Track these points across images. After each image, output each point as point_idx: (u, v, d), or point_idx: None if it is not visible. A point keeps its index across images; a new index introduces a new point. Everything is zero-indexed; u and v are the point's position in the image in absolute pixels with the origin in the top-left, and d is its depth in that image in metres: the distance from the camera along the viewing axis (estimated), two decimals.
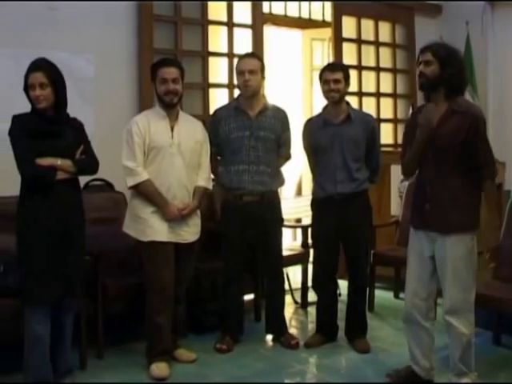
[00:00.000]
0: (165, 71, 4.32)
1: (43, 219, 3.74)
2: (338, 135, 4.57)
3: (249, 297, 5.34)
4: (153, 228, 4.27)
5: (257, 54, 5.29)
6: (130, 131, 4.28)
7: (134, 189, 4.29)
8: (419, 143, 3.75)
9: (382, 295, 5.97)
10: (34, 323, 3.78)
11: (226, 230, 4.70)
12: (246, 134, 4.61)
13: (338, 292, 5.01)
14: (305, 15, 7.56)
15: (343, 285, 5.07)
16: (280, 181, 4.83)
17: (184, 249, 4.36)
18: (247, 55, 4.87)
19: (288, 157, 4.88)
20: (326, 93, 4.59)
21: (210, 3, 6.00)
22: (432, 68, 3.69)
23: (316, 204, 4.79)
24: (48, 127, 3.79)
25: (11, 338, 3.92)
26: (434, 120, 3.68)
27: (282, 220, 4.89)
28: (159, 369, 4.26)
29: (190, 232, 4.39)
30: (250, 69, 4.59)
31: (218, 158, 4.76)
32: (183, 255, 4.36)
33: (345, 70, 4.71)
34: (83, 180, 4.59)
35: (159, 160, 4.27)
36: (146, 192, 4.25)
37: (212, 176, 4.64)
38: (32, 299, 3.78)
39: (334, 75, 4.57)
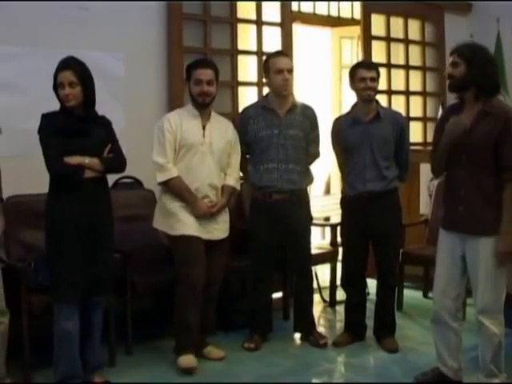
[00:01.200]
0: (200, 72, 4.33)
1: (71, 217, 3.77)
2: (367, 133, 4.56)
3: (277, 295, 5.33)
4: (182, 222, 4.29)
5: (287, 53, 5.27)
6: (162, 128, 4.30)
7: (164, 185, 4.32)
8: (444, 148, 3.73)
9: (411, 294, 5.94)
10: (62, 319, 3.82)
11: (254, 229, 4.70)
12: (274, 133, 4.61)
13: (366, 291, 4.99)
14: (334, 13, 7.56)
15: (372, 284, 5.05)
16: (309, 179, 4.82)
17: (214, 246, 4.37)
18: (281, 54, 4.87)
19: (317, 155, 4.86)
20: (362, 91, 4.57)
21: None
22: (459, 69, 3.65)
23: (345, 202, 4.78)
24: (76, 126, 3.82)
25: (43, 333, 3.94)
26: (459, 133, 3.65)
27: (311, 218, 4.89)
28: (187, 360, 4.29)
29: (220, 229, 4.41)
30: (288, 68, 4.60)
31: (247, 156, 4.76)
32: (213, 253, 4.37)
33: (377, 68, 4.72)
34: (113, 178, 4.63)
35: (189, 157, 4.29)
36: (175, 188, 4.28)
37: (240, 174, 4.65)
38: (60, 296, 3.82)
39: (370, 73, 4.57)
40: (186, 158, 4.29)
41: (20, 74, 4.86)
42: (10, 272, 3.95)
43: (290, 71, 4.61)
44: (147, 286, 4.56)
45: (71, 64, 3.78)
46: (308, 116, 4.73)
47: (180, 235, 4.28)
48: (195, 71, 4.36)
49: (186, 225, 4.29)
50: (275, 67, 4.62)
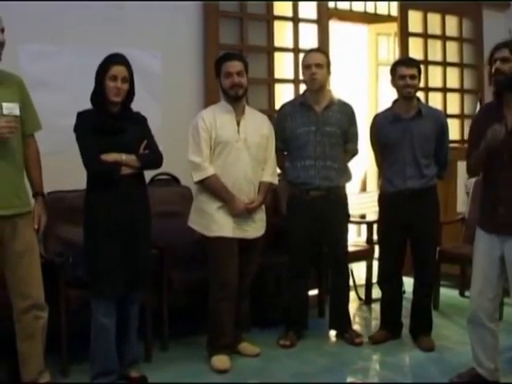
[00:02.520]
0: (229, 65, 4.34)
1: (109, 213, 3.81)
2: (408, 131, 4.54)
3: (313, 292, 5.32)
4: (218, 224, 4.29)
5: (323, 49, 5.28)
6: (197, 126, 4.31)
7: (200, 184, 4.33)
8: (482, 153, 3.68)
9: (448, 293, 5.90)
10: (99, 314, 3.87)
11: (291, 226, 4.70)
12: (312, 129, 4.60)
13: (402, 289, 4.97)
14: (370, 10, 7.50)
15: (408, 282, 5.02)
16: (347, 176, 4.81)
17: (249, 244, 4.37)
18: (313, 50, 4.89)
19: (355, 152, 4.85)
20: (402, 88, 4.55)
21: None
22: (511, 65, 3.60)
23: (384, 199, 4.77)
24: (112, 123, 3.85)
25: (81, 327, 3.99)
26: (499, 140, 3.59)
27: (348, 216, 4.88)
28: (220, 361, 4.30)
29: (256, 227, 4.41)
30: (316, 62, 4.58)
31: (285, 153, 4.75)
32: (248, 250, 4.37)
33: (418, 65, 4.69)
34: (150, 174, 4.66)
35: (225, 155, 4.29)
36: (212, 187, 4.28)
37: (278, 171, 4.65)
38: (98, 292, 3.86)
39: (410, 70, 4.55)
40: (221, 155, 4.30)
41: (58, 72, 4.92)
42: (48, 267, 4.00)
43: (319, 66, 4.58)
44: (183, 282, 4.59)
45: (125, 61, 3.85)
46: (346, 113, 4.71)
47: (215, 236, 4.29)
48: (224, 64, 4.37)
49: (221, 226, 4.29)
50: (303, 63, 4.68)
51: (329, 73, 4.71)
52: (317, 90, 4.63)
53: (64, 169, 4.54)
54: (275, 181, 4.54)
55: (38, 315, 3.72)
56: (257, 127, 4.42)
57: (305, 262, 4.74)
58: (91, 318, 3.89)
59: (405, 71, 4.55)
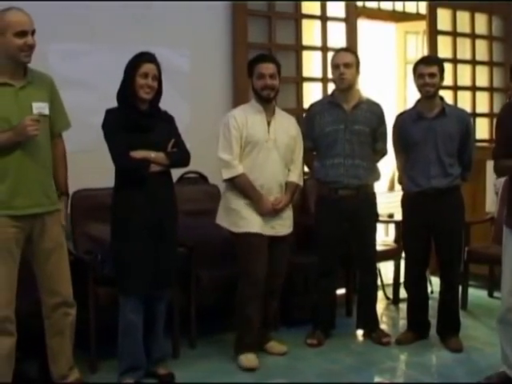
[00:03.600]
0: (262, 67, 4.36)
1: (137, 211, 3.83)
2: (431, 129, 4.51)
3: (340, 291, 5.32)
4: (246, 219, 4.31)
5: (352, 49, 5.27)
6: (228, 124, 4.32)
7: (229, 181, 4.34)
8: None
9: (476, 293, 5.86)
10: (127, 311, 3.89)
11: (320, 224, 4.70)
12: (340, 128, 4.60)
13: (430, 289, 4.94)
14: (399, 8, 7.48)
15: (436, 282, 4.99)
16: (375, 175, 4.79)
17: (278, 242, 4.38)
18: (342, 49, 4.89)
19: (384, 152, 4.84)
20: (421, 87, 4.53)
21: None
22: None
23: (407, 199, 4.73)
24: (141, 121, 3.87)
25: (109, 324, 4.02)
26: None
27: (377, 215, 4.87)
28: (248, 359, 4.32)
29: (284, 225, 4.41)
30: (345, 62, 4.57)
31: (314, 152, 4.75)
32: (277, 248, 4.38)
33: (440, 63, 4.64)
34: (178, 172, 4.68)
35: (255, 154, 4.31)
36: (240, 185, 4.30)
37: (305, 169, 4.64)
38: (125, 289, 3.89)
39: (429, 69, 4.51)
40: (251, 154, 4.31)
41: (88, 71, 4.97)
42: (77, 265, 4.04)
43: (348, 66, 4.58)
44: (211, 280, 4.60)
45: (155, 59, 3.88)
46: (375, 112, 4.71)
47: (243, 232, 4.30)
48: (257, 66, 4.39)
49: (249, 222, 4.30)
50: (332, 62, 4.68)
51: (358, 72, 4.70)
52: (345, 90, 4.63)
53: (93, 167, 4.57)
54: (301, 182, 4.55)
55: (67, 312, 3.75)
56: (286, 128, 4.44)
57: (333, 261, 4.73)
58: (119, 315, 3.92)
59: (423, 69, 4.53)
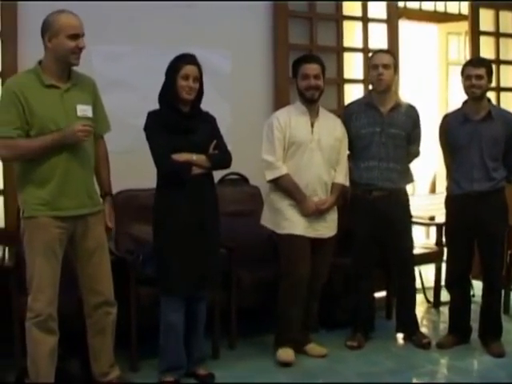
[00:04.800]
0: (307, 67, 4.36)
1: (179, 212, 3.85)
2: (477, 132, 4.46)
3: (381, 294, 5.29)
4: (289, 221, 4.31)
5: (390, 50, 5.25)
6: (271, 126, 4.33)
7: (273, 183, 4.35)
8: None
9: None
10: (168, 312, 3.92)
11: (355, 226, 4.69)
12: (376, 130, 4.58)
13: (471, 293, 4.89)
14: (440, 9, 7.42)
15: (477, 285, 4.94)
16: (409, 178, 4.77)
17: (321, 244, 4.38)
18: (381, 50, 4.85)
19: (417, 154, 4.81)
20: (467, 88, 4.48)
21: None
22: None
23: (450, 201, 4.69)
24: (183, 123, 3.88)
25: (150, 323, 4.06)
26: None
27: (410, 217, 4.83)
28: (285, 353, 4.36)
29: (328, 227, 4.41)
30: (383, 63, 4.55)
31: (348, 153, 4.73)
32: (320, 251, 4.38)
33: (488, 65, 4.58)
34: (219, 174, 4.70)
35: (299, 155, 4.31)
36: (284, 186, 4.31)
37: None
38: (167, 289, 3.91)
39: (476, 71, 4.46)
40: (295, 155, 4.32)
41: (130, 72, 5.01)
42: (118, 264, 4.08)
43: (386, 67, 4.55)
44: (252, 280, 4.61)
45: (196, 61, 3.90)
46: (411, 115, 4.68)
47: (287, 234, 4.31)
48: (302, 66, 4.39)
49: (293, 223, 4.31)
50: (371, 63, 4.66)
51: (396, 74, 4.68)
52: (383, 91, 4.60)
53: (135, 168, 4.61)
54: (347, 183, 4.54)
55: (108, 311, 3.79)
56: (330, 129, 4.43)
57: (368, 262, 4.71)
58: (160, 315, 3.94)
59: (471, 71, 4.48)
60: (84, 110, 3.62)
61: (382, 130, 4.58)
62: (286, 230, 4.31)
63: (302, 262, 4.30)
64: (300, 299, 4.35)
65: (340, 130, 4.51)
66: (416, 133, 4.73)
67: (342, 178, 4.46)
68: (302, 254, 4.31)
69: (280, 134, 4.30)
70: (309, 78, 4.33)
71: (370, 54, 4.85)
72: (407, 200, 4.78)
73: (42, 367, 3.58)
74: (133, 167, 4.64)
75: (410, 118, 4.67)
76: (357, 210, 4.70)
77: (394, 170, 4.60)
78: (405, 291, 4.81)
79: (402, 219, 4.71)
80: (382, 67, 4.55)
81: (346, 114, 4.76)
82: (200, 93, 3.94)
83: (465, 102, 4.62)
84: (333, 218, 4.45)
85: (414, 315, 4.86)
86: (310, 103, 4.38)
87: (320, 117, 4.43)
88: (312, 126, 4.37)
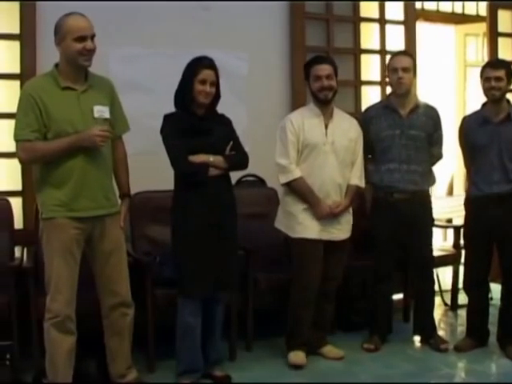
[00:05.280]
0: (318, 68, 4.35)
1: (196, 214, 3.85)
2: (496, 134, 4.43)
3: (398, 296, 5.27)
4: (303, 225, 4.30)
5: (409, 52, 5.23)
6: (284, 129, 4.32)
7: (287, 186, 4.34)
8: None
9: None
10: (185, 314, 3.92)
11: (376, 229, 4.66)
12: (396, 133, 4.56)
13: (489, 295, 4.86)
14: (458, 10, 7.39)
15: (496, 288, 4.91)
16: (431, 180, 4.74)
17: (335, 246, 4.36)
18: (400, 53, 4.83)
19: (440, 156, 4.78)
20: (487, 90, 4.46)
21: None
22: None
23: (469, 203, 4.67)
24: (199, 125, 3.89)
25: (167, 325, 4.06)
26: None
27: (432, 220, 4.80)
28: (296, 356, 4.36)
29: (342, 230, 4.40)
30: (403, 66, 4.53)
31: (369, 156, 4.72)
32: (334, 253, 4.37)
33: (508, 67, 4.53)
34: (236, 176, 4.70)
35: (313, 158, 4.30)
36: (298, 189, 4.30)
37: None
38: (185, 291, 3.91)
39: (495, 72, 4.43)
40: (309, 158, 4.30)
41: (147, 74, 5.04)
42: (135, 266, 4.10)
43: (406, 70, 4.53)
44: (269, 283, 4.61)
45: (213, 64, 3.91)
46: (431, 117, 4.65)
47: (300, 238, 4.31)
48: (313, 68, 4.37)
49: (306, 227, 4.30)
50: (390, 66, 4.63)
51: (415, 76, 4.66)
52: (403, 94, 4.58)
53: (152, 169, 4.62)
54: (362, 184, 4.51)
55: (125, 312, 3.81)
56: (345, 130, 4.41)
57: (389, 265, 4.69)
58: (177, 318, 3.95)
59: (490, 73, 4.46)
60: (101, 111, 3.64)
61: (402, 132, 4.56)
62: (300, 234, 4.31)
63: (313, 264, 4.30)
64: (311, 302, 4.35)
65: (355, 130, 4.49)
66: (438, 134, 4.70)
67: (356, 179, 4.44)
68: (314, 256, 4.30)
69: (293, 137, 4.29)
70: (321, 79, 4.31)
71: (389, 56, 4.83)
72: (430, 202, 4.76)
73: (59, 368, 3.60)
74: (150, 169, 4.65)
75: (430, 119, 4.65)
76: (378, 212, 4.69)
77: (415, 171, 4.58)
78: (423, 294, 4.79)
79: (424, 221, 4.69)
80: (402, 71, 4.52)
81: (365, 117, 4.74)
82: (217, 96, 3.95)
83: (484, 104, 4.60)
84: (347, 219, 4.44)
85: (432, 318, 4.83)
86: (324, 104, 4.36)
87: (334, 118, 4.41)
88: (326, 127, 4.35)
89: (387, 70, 4.70)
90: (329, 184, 4.30)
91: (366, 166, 4.66)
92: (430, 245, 4.78)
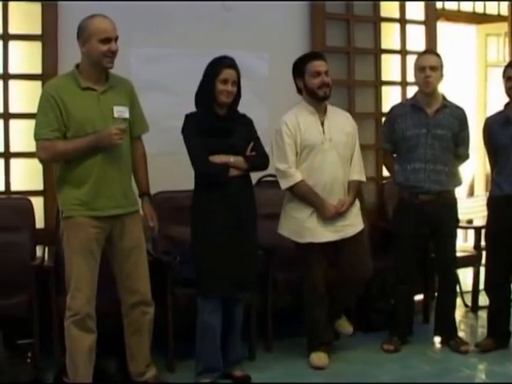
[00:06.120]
0: (317, 64, 4.30)
1: (217, 214, 3.87)
2: None
3: (418, 297, 5.25)
4: (310, 230, 4.27)
5: (436, 51, 5.19)
6: (280, 132, 4.27)
7: (289, 190, 4.30)
8: None
9: None
10: (205, 313, 3.93)
11: (400, 229, 4.65)
12: (422, 132, 4.53)
13: (511, 296, 4.84)
14: (479, 10, 7.34)
15: None
16: (457, 180, 4.71)
17: (349, 242, 4.31)
18: (427, 52, 4.82)
19: (466, 156, 4.75)
20: (508, 90, 4.45)
21: None
22: None
23: (492, 203, 4.65)
24: (220, 125, 3.91)
25: (187, 324, 4.09)
26: None
27: (457, 221, 4.77)
28: (318, 358, 4.36)
29: (351, 225, 4.33)
30: (431, 65, 4.50)
31: (394, 155, 4.71)
32: (351, 248, 4.32)
33: None
34: (256, 176, 4.70)
35: (312, 158, 4.25)
36: (300, 193, 4.25)
37: (385, 172, 4.60)
38: (205, 291, 3.93)
39: None
40: (308, 158, 4.26)
41: (168, 75, 5.05)
42: (156, 265, 4.12)
43: (434, 69, 4.50)
44: (288, 283, 4.62)
45: (235, 64, 3.92)
46: (457, 117, 4.61)
47: (307, 243, 4.27)
48: (310, 64, 4.32)
49: (315, 233, 4.26)
50: (417, 65, 4.59)
51: (442, 75, 4.62)
52: (430, 93, 4.55)
53: (173, 169, 4.64)
54: (363, 178, 4.46)
55: (145, 311, 3.83)
56: (341, 126, 4.37)
57: (411, 266, 4.67)
58: (197, 317, 3.96)
59: (510, 73, 4.44)
60: (120, 111, 3.67)
61: (428, 132, 4.53)
62: (309, 239, 4.26)
63: (317, 267, 4.31)
64: (321, 301, 4.35)
65: (350, 124, 4.45)
66: (464, 134, 4.66)
67: (356, 174, 4.39)
68: (318, 259, 4.30)
69: (290, 140, 4.23)
70: (321, 75, 4.26)
71: (409, 56, 4.80)
72: (455, 203, 4.73)
73: (80, 365, 3.63)
74: (170, 169, 4.67)
75: (457, 119, 4.61)
76: (403, 213, 4.67)
77: (441, 171, 4.55)
78: (445, 295, 4.77)
79: (449, 223, 4.66)
80: (430, 69, 4.49)
81: (391, 116, 4.73)
82: (238, 96, 3.96)
83: (507, 104, 4.58)
84: (355, 213, 4.37)
85: (453, 319, 4.82)
86: (321, 101, 4.32)
87: (328, 114, 4.36)
88: (322, 124, 4.31)
89: (414, 68, 4.65)
90: (331, 182, 4.25)
91: (391, 166, 4.67)
92: (454, 246, 4.74)
